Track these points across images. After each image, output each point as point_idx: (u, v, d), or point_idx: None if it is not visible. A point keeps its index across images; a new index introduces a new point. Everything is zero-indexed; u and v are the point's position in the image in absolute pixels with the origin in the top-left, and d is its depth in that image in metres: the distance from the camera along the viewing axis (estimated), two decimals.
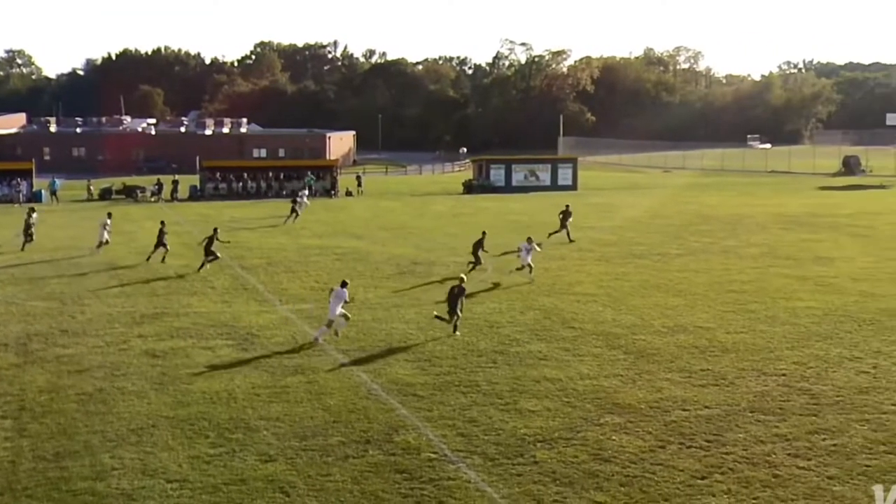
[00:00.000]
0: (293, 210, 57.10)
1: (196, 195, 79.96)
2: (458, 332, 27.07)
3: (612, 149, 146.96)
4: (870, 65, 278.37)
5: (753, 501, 15.85)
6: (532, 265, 35.65)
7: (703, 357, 24.78)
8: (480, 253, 37.65)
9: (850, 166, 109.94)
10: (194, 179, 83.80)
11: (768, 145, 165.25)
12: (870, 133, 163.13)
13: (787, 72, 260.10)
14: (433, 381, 22.67)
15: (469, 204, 71.06)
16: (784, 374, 23.17)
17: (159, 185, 78.64)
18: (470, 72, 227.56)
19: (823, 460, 17.59)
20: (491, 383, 22.49)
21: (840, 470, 17.11)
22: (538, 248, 36.76)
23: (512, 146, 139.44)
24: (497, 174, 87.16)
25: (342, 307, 26.85)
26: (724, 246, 45.41)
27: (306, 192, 65.01)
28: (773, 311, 30.36)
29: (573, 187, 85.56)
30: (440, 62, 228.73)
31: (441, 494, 16.23)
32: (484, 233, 38.84)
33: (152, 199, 76.94)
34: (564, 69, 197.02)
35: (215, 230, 39.85)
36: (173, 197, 76.82)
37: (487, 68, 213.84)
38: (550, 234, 46.05)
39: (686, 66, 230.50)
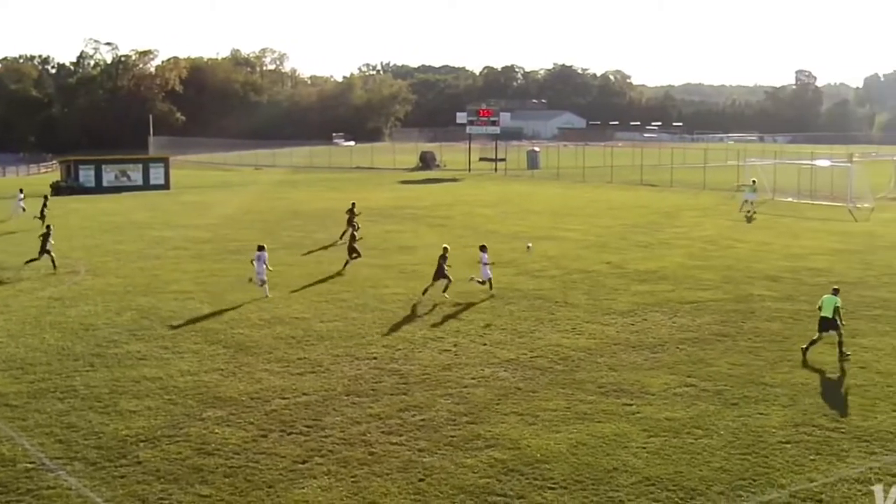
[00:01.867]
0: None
1: None
2: (446, 294, 30.79)
3: (203, 148, 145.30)
4: (440, 67, 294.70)
5: (352, 479, 16.28)
6: (491, 277, 32.39)
7: (300, 346, 25.12)
8: (356, 244, 37.47)
9: (426, 161, 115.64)
10: None
11: (353, 143, 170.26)
12: (443, 130, 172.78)
13: (367, 73, 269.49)
14: (27, 389, 21.32)
15: (59, 205, 67.19)
16: (375, 358, 23.97)
17: None
18: (53, 71, 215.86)
19: (414, 435, 18.39)
20: (89, 387, 21.51)
21: (429, 442, 17.97)
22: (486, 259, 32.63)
23: (102, 146, 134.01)
24: (87, 175, 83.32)
25: (265, 269, 31.32)
26: (315, 239, 46.21)
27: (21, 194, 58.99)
28: (364, 299, 31.31)
29: (166, 186, 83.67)
30: (21, 61, 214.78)
31: None
32: (357, 227, 39.57)
33: None
34: (152, 69, 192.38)
35: (48, 227, 38.95)
36: None
37: (72, 68, 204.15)
38: (342, 235, 44.47)
39: (272, 67, 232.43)
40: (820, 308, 24.19)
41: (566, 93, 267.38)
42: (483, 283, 32.27)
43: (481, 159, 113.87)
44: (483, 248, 32.68)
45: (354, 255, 37.31)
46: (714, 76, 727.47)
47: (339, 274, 36.17)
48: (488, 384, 21.76)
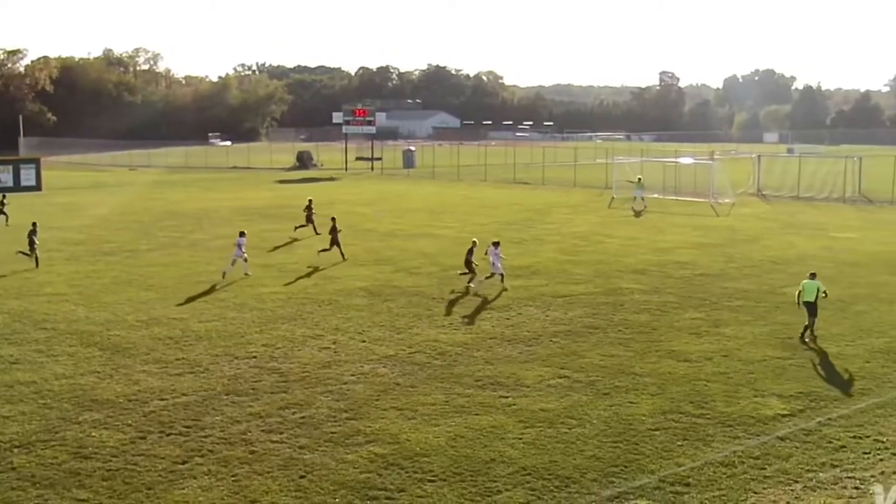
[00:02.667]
0: None
1: None
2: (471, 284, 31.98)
3: (76, 148, 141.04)
4: (316, 68, 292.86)
5: (232, 479, 16.07)
6: (504, 272, 32.57)
7: (178, 347, 24.66)
8: (339, 242, 38.64)
9: (303, 161, 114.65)
10: None
11: (229, 143, 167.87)
12: (319, 130, 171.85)
13: (243, 73, 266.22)
14: None
15: None
16: (255, 357, 23.70)
17: None
18: None
19: (294, 432, 18.24)
20: None
21: (309, 439, 17.85)
22: (502, 256, 33.00)
23: None
24: None
25: (244, 251, 34.94)
26: (191, 239, 45.44)
27: None
28: (242, 298, 30.92)
29: (38, 188, 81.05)
30: None
31: None
32: (334, 218, 39.92)
33: None
34: (21, 69, 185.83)
35: (34, 224, 38.28)
36: None
37: None
38: (314, 229, 45.50)
39: (146, 67, 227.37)
40: (800, 295, 25.48)
41: (440, 93, 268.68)
42: (490, 276, 32.38)
43: (358, 158, 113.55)
44: (496, 244, 32.98)
45: (330, 248, 38.32)
46: (582, 77, 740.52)
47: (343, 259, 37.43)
48: (368, 380, 21.73)
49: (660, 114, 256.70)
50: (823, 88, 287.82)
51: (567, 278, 34.35)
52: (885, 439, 17.77)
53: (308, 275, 35.25)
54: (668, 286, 32.77)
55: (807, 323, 25.31)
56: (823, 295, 25.54)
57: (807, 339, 25.11)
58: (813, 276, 25.79)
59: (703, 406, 19.80)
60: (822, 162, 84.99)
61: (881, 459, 16.79)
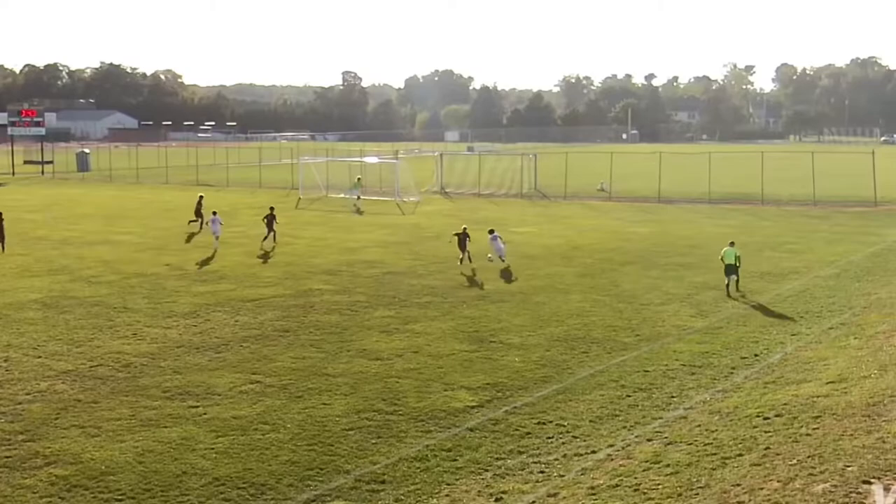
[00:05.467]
0: None
1: None
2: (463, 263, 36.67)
3: None
4: None
5: None
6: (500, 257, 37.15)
7: None
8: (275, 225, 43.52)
9: None
10: None
11: None
12: None
13: None
14: None
15: None
16: None
17: None
18: None
19: None
20: None
21: None
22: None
23: None
24: None
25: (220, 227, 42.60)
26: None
27: None
28: None
29: None
30: None
31: None
32: (272, 208, 44.53)
33: None
34: None
35: (1, 215, 40.62)
36: None
37: None
38: (200, 225, 48.44)
39: None
40: (722, 259, 31.43)
41: (115, 92, 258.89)
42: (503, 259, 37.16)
43: (26, 162, 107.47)
44: (492, 231, 38.08)
45: (271, 233, 43.36)
46: (265, 76, 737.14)
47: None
48: (45, 398, 20.60)
49: (344, 113, 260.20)
50: (499, 88, 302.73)
51: (256, 281, 34.10)
52: (566, 423, 18.89)
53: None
54: (357, 285, 33.25)
55: (727, 282, 31.15)
56: (738, 262, 31.27)
57: (733, 294, 30.74)
58: (732, 244, 31.93)
59: (395, 403, 20.25)
60: (500, 159, 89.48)
61: (563, 443, 17.82)
